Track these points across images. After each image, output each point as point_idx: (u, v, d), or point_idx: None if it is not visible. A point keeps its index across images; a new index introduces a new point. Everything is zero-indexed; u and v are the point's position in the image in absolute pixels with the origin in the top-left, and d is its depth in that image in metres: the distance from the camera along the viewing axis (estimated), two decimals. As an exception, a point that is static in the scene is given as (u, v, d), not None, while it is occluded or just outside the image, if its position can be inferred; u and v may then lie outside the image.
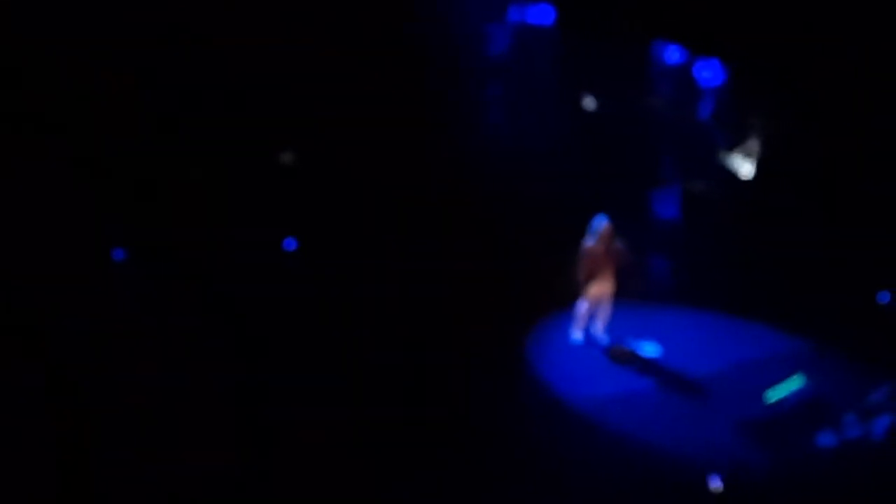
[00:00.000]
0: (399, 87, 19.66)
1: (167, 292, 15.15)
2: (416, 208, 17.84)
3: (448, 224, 17.63)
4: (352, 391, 13.61)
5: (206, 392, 13.42)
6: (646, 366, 14.77)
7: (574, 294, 14.99)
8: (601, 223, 14.58)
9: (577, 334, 15.10)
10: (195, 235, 16.41)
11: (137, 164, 17.40)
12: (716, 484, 12.14)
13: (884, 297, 15.82)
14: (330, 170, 18.57)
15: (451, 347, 14.59)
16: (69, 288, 14.83)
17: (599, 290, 14.87)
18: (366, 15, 19.57)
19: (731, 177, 18.77)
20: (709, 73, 20.03)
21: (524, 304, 15.80)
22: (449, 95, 20.39)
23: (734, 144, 18.90)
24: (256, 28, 19.04)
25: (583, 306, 14.97)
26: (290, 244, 16.78)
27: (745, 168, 18.71)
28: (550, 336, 15.41)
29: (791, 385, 14.19)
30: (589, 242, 14.68)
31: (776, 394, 14.09)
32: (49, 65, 17.80)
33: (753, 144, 18.60)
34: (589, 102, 20.83)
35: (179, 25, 18.46)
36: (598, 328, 15.11)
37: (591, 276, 14.77)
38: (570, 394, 14.25)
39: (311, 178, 18.34)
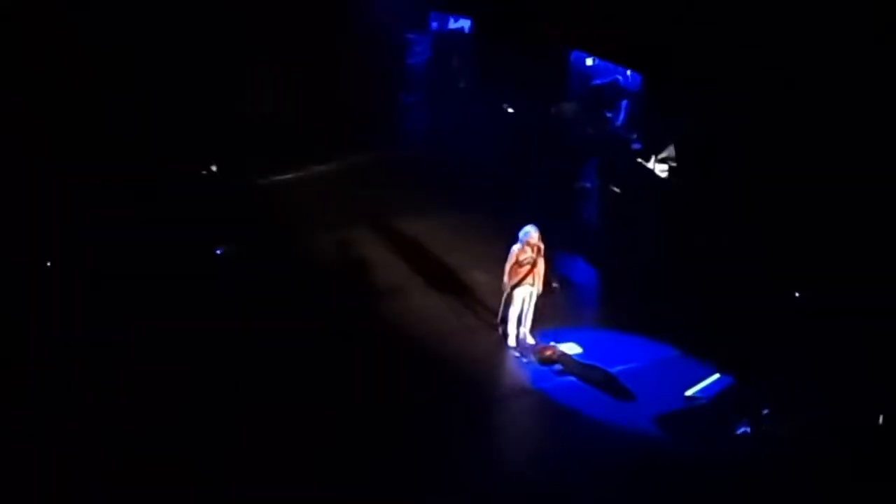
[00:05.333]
0: (326, 93, 20.03)
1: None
2: (341, 207, 18.27)
3: (374, 230, 18.05)
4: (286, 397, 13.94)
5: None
6: (570, 364, 15.30)
7: (501, 295, 15.50)
8: (530, 231, 15.05)
9: (511, 340, 15.61)
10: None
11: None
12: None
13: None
14: (261, 180, 18.87)
15: (382, 353, 14.99)
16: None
17: (525, 293, 15.41)
18: (295, 24, 19.86)
19: (648, 181, 19.27)
20: (624, 80, 20.51)
21: (456, 306, 16.31)
22: (373, 100, 20.79)
23: (651, 150, 19.35)
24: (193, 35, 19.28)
25: (511, 310, 15.49)
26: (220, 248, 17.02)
27: (661, 173, 19.19)
28: (480, 337, 15.84)
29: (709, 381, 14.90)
30: (517, 248, 15.19)
31: (694, 389, 14.78)
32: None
33: (669, 150, 19.10)
34: (510, 110, 21.27)
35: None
36: (525, 330, 15.65)
37: (518, 281, 15.28)
38: (500, 391, 14.83)
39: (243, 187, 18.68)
